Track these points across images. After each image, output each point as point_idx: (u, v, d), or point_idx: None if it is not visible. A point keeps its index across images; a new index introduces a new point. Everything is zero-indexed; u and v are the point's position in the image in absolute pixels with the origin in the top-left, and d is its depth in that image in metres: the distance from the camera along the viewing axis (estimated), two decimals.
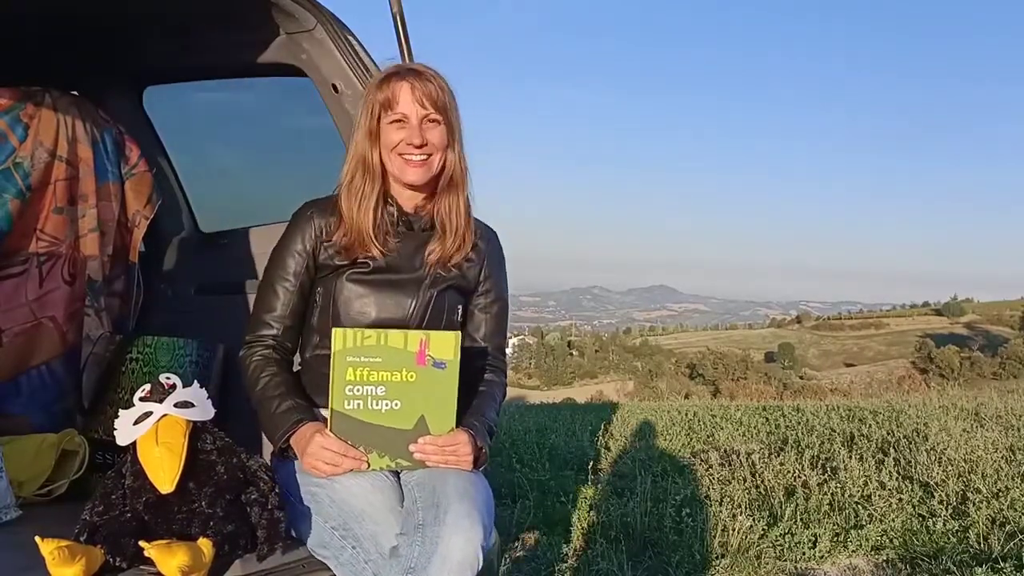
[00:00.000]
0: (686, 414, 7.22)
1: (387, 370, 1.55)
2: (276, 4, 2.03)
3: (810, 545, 3.24)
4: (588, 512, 3.79)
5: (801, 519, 3.49)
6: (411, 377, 1.56)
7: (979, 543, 3.09)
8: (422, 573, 1.38)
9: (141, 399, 1.54)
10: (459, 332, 1.60)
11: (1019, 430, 4.94)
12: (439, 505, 1.45)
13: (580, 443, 5.59)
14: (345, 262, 1.71)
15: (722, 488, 3.96)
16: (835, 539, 3.30)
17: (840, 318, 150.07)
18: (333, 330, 1.55)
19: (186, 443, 1.49)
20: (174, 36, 2.36)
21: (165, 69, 2.62)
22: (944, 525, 3.29)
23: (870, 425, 5.40)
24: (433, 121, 1.68)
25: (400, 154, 1.68)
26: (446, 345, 1.57)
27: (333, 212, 1.73)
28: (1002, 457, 4.05)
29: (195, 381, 1.61)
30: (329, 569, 1.54)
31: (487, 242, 1.86)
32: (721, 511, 3.57)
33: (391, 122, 1.67)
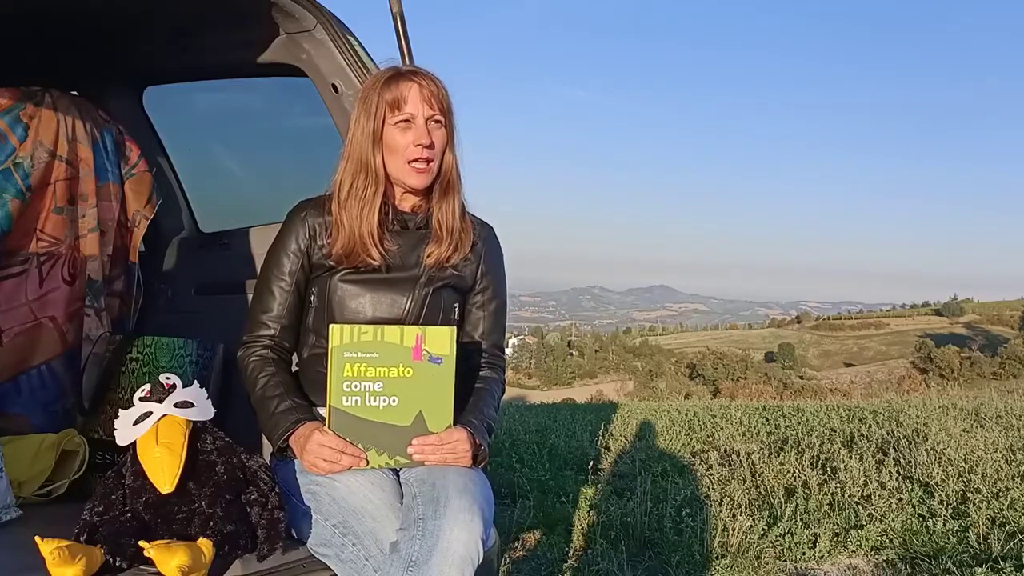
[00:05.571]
0: (686, 414, 7.23)
1: (384, 366, 1.55)
2: (276, 4, 2.03)
3: (810, 545, 3.24)
4: (588, 512, 3.79)
5: (801, 519, 3.49)
6: (408, 373, 1.56)
7: (979, 543, 3.09)
8: (423, 566, 1.38)
9: (141, 399, 1.54)
10: (455, 328, 1.61)
11: (1019, 430, 4.94)
12: (439, 499, 1.46)
13: (580, 443, 5.59)
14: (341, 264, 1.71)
15: (722, 488, 3.96)
16: (835, 539, 3.30)
17: (840, 318, 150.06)
18: (330, 326, 1.55)
19: (186, 443, 1.49)
20: (174, 36, 2.36)
21: (165, 69, 2.61)
22: (944, 525, 3.29)
23: (870, 425, 5.41)
24: (437, 122, 1.69)
25: (409, 161, 1.67)
26: (442, 340, 1.57)
27: (328, 212, 1.73)
28: (1002, 457, 4.06)
29: (195, 381, 1.61)
30: (329, 569, 1.54)
31: (484, 239, 1.85)
32: (721, 511, 3.57)
33: (396, 123, 1.67)
